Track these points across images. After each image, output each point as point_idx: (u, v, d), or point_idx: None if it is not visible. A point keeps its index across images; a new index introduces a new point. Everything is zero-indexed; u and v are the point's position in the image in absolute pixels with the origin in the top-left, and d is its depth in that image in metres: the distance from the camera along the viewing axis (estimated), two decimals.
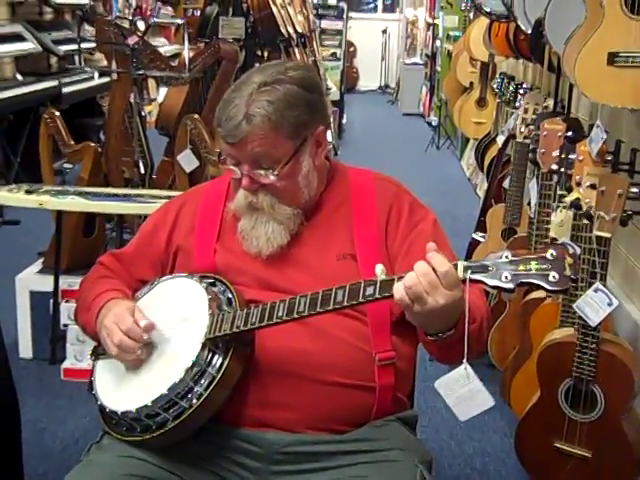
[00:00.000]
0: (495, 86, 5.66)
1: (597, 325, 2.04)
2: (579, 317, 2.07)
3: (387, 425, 1.75)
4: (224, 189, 1.89)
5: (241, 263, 1.78)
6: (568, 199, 2.22)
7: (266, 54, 5.35)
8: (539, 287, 1.39)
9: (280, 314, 1.57)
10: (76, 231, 3.67)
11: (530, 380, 2.39)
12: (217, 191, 1.91)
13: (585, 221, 2.11)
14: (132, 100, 3.82)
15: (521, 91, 4.66)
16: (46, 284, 3.51)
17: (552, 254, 1.39)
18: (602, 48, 1.90)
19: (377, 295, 1.49)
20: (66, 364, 3.47)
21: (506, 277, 1.39)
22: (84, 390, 3.24)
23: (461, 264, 1.44)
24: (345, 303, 1.51)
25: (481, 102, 6.32)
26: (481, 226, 3.77)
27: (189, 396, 1.60)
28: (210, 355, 1.62)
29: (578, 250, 2.21)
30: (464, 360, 1.50)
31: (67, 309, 3.44)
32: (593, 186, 2.05)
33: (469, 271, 1.43)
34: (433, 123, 10.53)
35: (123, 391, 1.69)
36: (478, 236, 3.82)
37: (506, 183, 3.81)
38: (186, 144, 3.61)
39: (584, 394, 2.10)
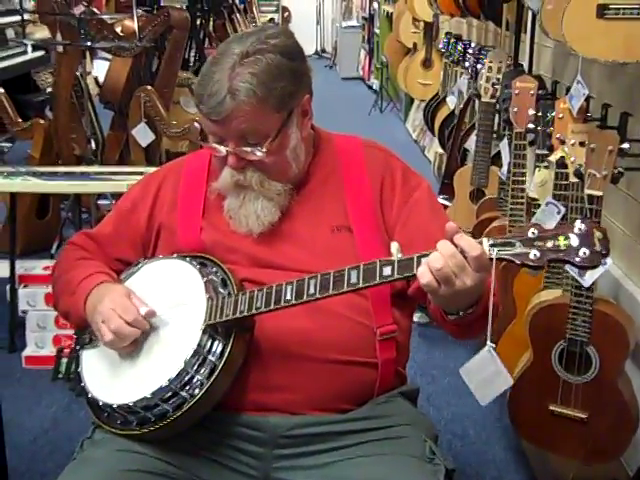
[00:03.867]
0: (441, 46, 5.61)
1: (590, 285, 2.01)
2: (572, 278, 2.04)
3: (391, 401, 1.70)
4: (205, 163, 1.80)
5: (230, 240, 1.70)
6: (553, 158, 2.18)
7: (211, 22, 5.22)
8: (569, 264, 1.32)
9: (288, 298, 1.49)
10: (29, 213, 3.53)
11: (515, 343, 2.38)
12: (198, 165, 1.81)
13: (573, 179, 2.08)
14: (79, 73, 3.68)
15: (470, 50, 4.61)
16: (0, 270, 3.36)
17: (580, 229, 1.32)
18: (590, 1, 1.85)
19: (396, 276, 1.41)
20: (27, 352, 3.34)
21: (535, 255, 1.32)
22: (48, 378, 3.19)
23: (486, 242, 1.36)
24: (361, 285, 1.43)
25: (426, 63, 6.27)
26: (446, 189, 3.74)
27: (190, 386, 1.52)
28: (210, 342, 1.54)
29: (563, 209, 2.21)
30: (488, 342, 1.43)
31: (25, 295, 3.31)
32: (582, 144, 2.02)
33: (496, 249, 1.35)
34: (374, 86, 10.47)
35: (117, 382, 1.60)
36: (441, 199, 3.78)
37: (468, 144, 3.77)
38: (140, 117, 3.48)
39: (578, 355, 2.08)
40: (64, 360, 3.20)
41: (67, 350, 3.22)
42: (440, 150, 5.69)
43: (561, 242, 1.32)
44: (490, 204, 3.14)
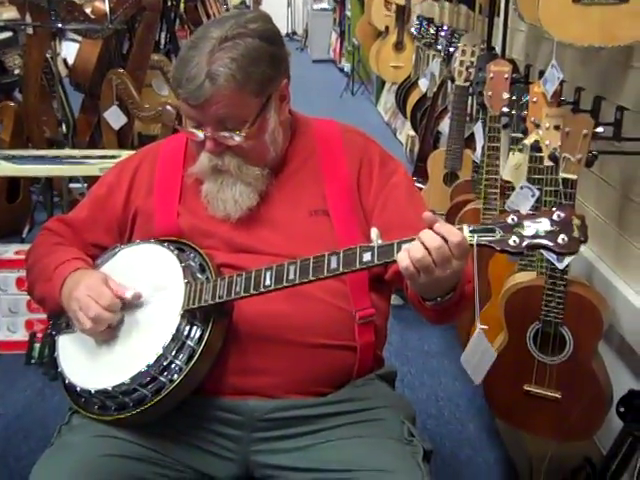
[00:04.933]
0: (414, 29, 5.61)
1: (565, 267, 2.03)
2: (546, 260, 2.06)
3: (369, 384, 1.71)
4: (182, 147, 1.78)
5: (207, 225, 1.69)
6: (527, 141, 2.19)
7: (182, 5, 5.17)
8: (547, 250, 1.33)
9: (268, 283, 1.48)
10: None
11: (490, 325, 2.38)
12: (175, 149, 1.80)
13: (547, 163, 2.09)
14: (49, 55, 3.63)
15: (442, 33, 4.61)
16: None
17: (559, 215, 1.33)
18: None
19: (376, 262, 1.40)
20: None
21: (514, 241, 1.32)
22: (21, 363, 3.17)
23: (466, 228, 1.36)
24: (341, 270, 1.42)
25: (398, 46, 6.28)
26: (419, 171, 3.75)
27: (169, 371, 1.52)
28: (189, 327, 1.53)
29: (538, 192, 2.22)
30: (477, 325, 1.43)
31: None
32: (557, 127, 2.03)
33: (476, 235, 1.35)
34: (345, 69, 10.45)
35: (95, 368, 1.59)
36: (415, 182, 3.78)
37: (441, 127, 3.78)
38: (112, 100, 3.44)
39: (553, 336, 2.10)
40: (37, 345, 3.18)
41: (40, 334, 3.19)
42: (412, 133, 5.71)
43: (540, 228, 1.33)
44: (464, 187, 3.16)
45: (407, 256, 1.36)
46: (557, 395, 2.13)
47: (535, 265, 2.27)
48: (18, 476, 2.50)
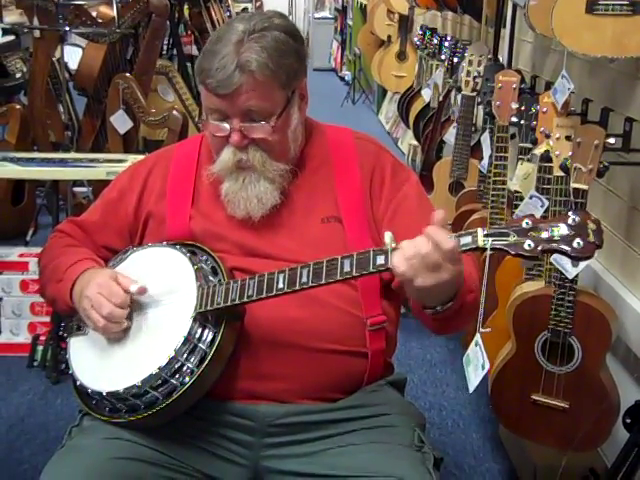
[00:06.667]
0: (416, 39, 5.62)
1: (574, 277, 2.03)
2: (555, 270, 2.06)
3: (379, 390, 1.71)
4: (195, 151, 1.78)
5: (219, 228, 1.69)
6: (537, 151, 2.20)
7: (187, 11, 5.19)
8: (563, 254, 1.32)
9: (281, 286, 1.47)
10: (4, 199, 3.48)
11: (496, 334, 2.38)
12: (188, 154, 1.80)
13: (557, 173, 2.09)
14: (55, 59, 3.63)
15: (446, 43, 4.62)
16: None
17: (574, 219, 1.32)
18: None
19: (389, 265, 1.39)
20: (2, 339, 3.31)
21: (529, 245, 1.31)
22: (23, 365, 3.16)
23: (481, 232, 1.35)
24: (355, 274, 1.42)
25: (401, 55, 6.28)
26: (424, 181, 3.74)
27: (180, 374, 1.51)
28: (201, 330, 1.53)
29: (547, 202, 2.23)
30: (478, 331, 1.42)
31: (0, 282, 3.26)
32: (568, 137, 2.03)
33: (490, 239, 1.34)
34: (346, 78, 10.46)
35: (106, 370, 1.58)
36: None
37: (446, 136, 3.79)
38: (119, 104, 3.44)
39: (561, 346, 2.10)
40: (40, 347, 3.16)
41: (43, 337, 3.18)
42: (414, 142, 5.71)
43: (555, 232, 1.32)
44: (470, 196, 3.16)
45: (403, 260, 1.35)
46: (565, 405, 2.13)
47: (543, 274, 2.28)
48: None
